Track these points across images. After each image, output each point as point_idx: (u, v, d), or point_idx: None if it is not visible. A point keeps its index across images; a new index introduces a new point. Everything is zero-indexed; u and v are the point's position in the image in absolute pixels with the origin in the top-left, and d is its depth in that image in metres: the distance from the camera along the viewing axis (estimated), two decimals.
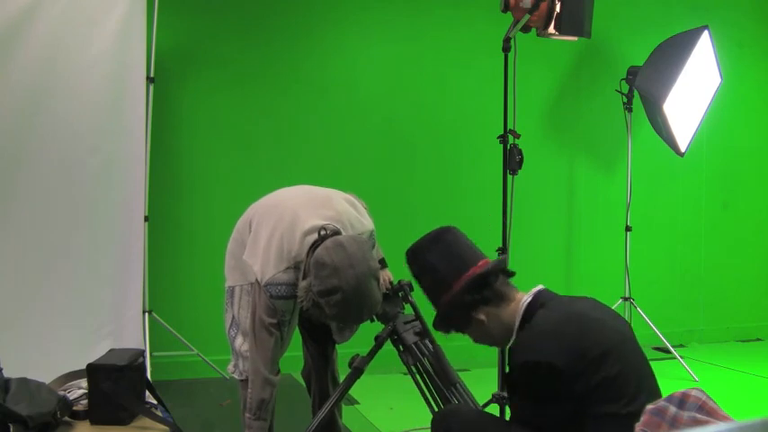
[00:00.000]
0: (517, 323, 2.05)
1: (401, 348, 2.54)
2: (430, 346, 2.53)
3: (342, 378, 2.65)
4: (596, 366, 1.85)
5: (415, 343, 2.50)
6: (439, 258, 2.13)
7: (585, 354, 1.87)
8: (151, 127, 4.22)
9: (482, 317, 2.07)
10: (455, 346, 5.05)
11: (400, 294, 2.61)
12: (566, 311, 2.01)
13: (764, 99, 6.03)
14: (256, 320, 2.47)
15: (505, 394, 3.34)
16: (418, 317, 2.58)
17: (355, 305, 2.32)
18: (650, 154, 5.47)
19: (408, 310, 2.65)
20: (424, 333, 2.53)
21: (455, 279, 2.08)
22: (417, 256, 2.20)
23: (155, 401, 3.37)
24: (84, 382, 3.10)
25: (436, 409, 2.47)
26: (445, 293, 2.09)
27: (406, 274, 2.36)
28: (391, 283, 2.67)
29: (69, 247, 3.96)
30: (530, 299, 2.05)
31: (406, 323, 2.54)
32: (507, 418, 2.47)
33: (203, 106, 4.67)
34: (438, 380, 2.46)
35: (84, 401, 3.04)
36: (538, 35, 3.63)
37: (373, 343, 2.54)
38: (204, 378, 4.40)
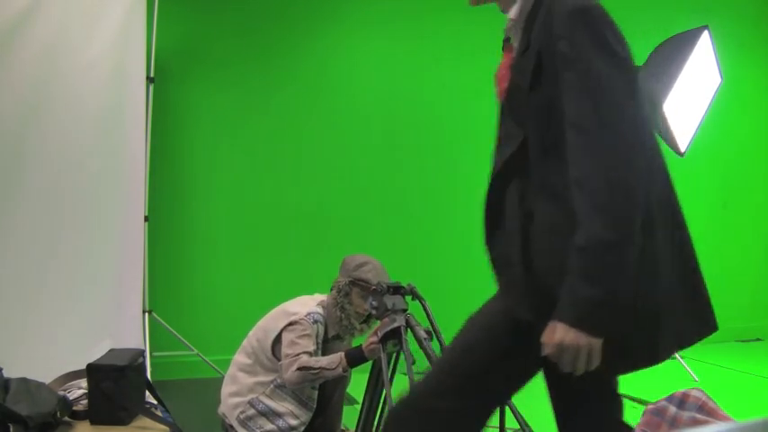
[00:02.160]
0: None
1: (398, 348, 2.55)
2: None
3: None
4: None
5: (424, 339, 2.51)
6: None
7: None
8: (151, 127, 4.23)
9: None
10: None
11: (407, 296, 2.64)
12: None
13: (764, 99, 6.04)
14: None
15: None
16: (428, 316, 2.60)
17: (381, 267, 3.12)
18: None
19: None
20: (431, 335, 2.54)
21: None
22: None
23: (155, 401, 3.37)
24: (84, 382, 3.10)
25: None
26: None
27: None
28: (399, 284, 2.73)
29: (69, 247, 3.96)
30: None
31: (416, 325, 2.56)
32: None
33: (203, 106, 4.67)
34: None
35: (84, 401, 3.05)
36: None
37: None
38: (204, 378, 4.40)
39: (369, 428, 2.63)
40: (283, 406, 3.01)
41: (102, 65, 4.01)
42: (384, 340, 2.51)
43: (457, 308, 5.51)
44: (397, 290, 2.63)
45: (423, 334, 2.47)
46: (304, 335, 2.98)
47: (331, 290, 3.15)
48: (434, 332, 2.54)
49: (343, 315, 3.07)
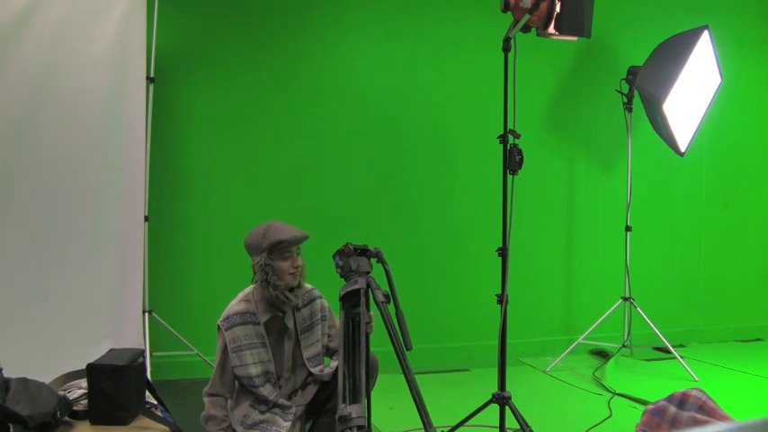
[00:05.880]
0: None
1: (353, 310, 2.57)
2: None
3: None
4: None
5: (382, 302, 2.53)
6: None
7: None
8: (151, 127, 4.23)
9: None
10: (455, 347, 5.07)
11: (372, 260, 2.69)
12: None
13: (765, 99, 6.03)
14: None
15: (506, 394, 3.35)
16: (389, 280, 2.64)
17: (281, 225, 3.02)
18: (650, 154, 5.47)
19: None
20: (389, 299, 2.57)
21: None
22: None
23: (155, 401, 3.37)
24: (84, 382, 3.10)
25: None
26: None
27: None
28: (367, 247, 2.76)
29: (69, 247, 3.96)
30: None
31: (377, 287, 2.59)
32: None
33: (203, 106, 4.67)
34: (398, 344, 2.47)
35: (84, 401, 3.04)
36: (538, 35, 3.63)
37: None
38: (204, 378, 4.35)
39: (345, 391, 2.61)
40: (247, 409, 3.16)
41: (102, 64, 4.01)
42: (344, 300, 2.56)
43: (457, 306, 5.52)
44: (363, 252, 2.68)
45: (381, 297, 2.51)
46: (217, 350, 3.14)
47: (252, 278, 3.08)
48: (392, 296, 2.58)
49: (275, 292, 3.01)
